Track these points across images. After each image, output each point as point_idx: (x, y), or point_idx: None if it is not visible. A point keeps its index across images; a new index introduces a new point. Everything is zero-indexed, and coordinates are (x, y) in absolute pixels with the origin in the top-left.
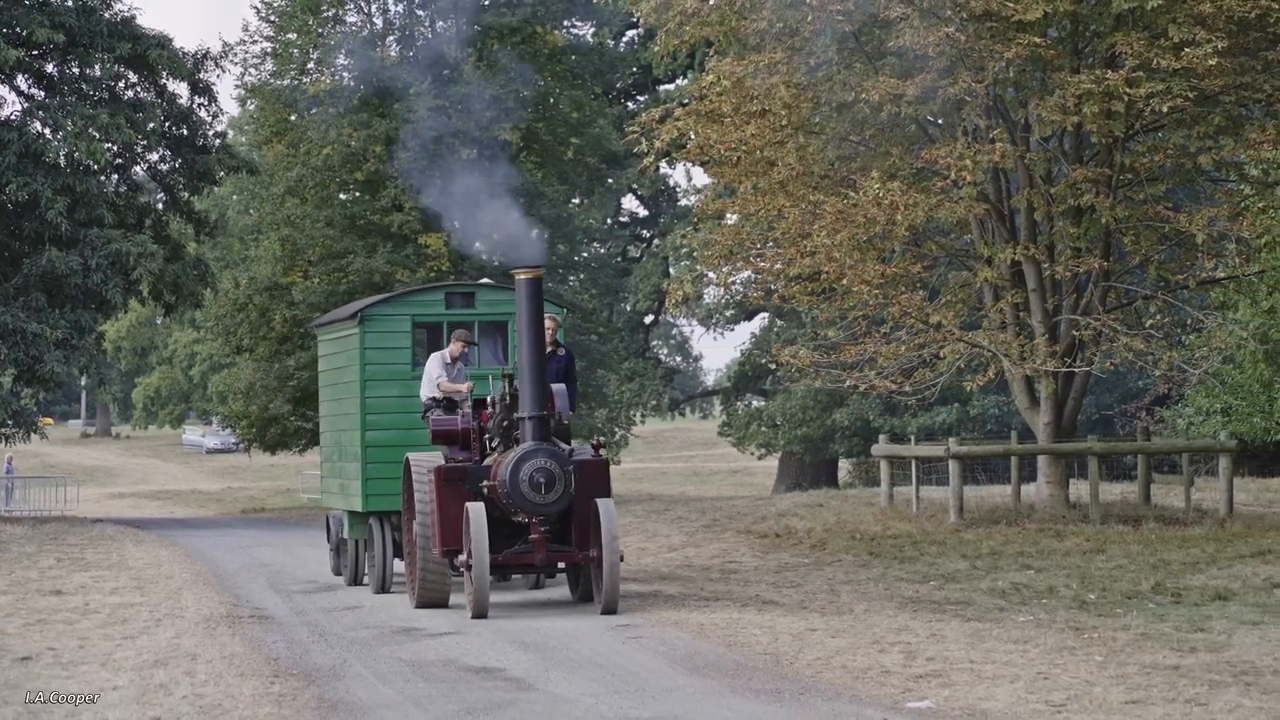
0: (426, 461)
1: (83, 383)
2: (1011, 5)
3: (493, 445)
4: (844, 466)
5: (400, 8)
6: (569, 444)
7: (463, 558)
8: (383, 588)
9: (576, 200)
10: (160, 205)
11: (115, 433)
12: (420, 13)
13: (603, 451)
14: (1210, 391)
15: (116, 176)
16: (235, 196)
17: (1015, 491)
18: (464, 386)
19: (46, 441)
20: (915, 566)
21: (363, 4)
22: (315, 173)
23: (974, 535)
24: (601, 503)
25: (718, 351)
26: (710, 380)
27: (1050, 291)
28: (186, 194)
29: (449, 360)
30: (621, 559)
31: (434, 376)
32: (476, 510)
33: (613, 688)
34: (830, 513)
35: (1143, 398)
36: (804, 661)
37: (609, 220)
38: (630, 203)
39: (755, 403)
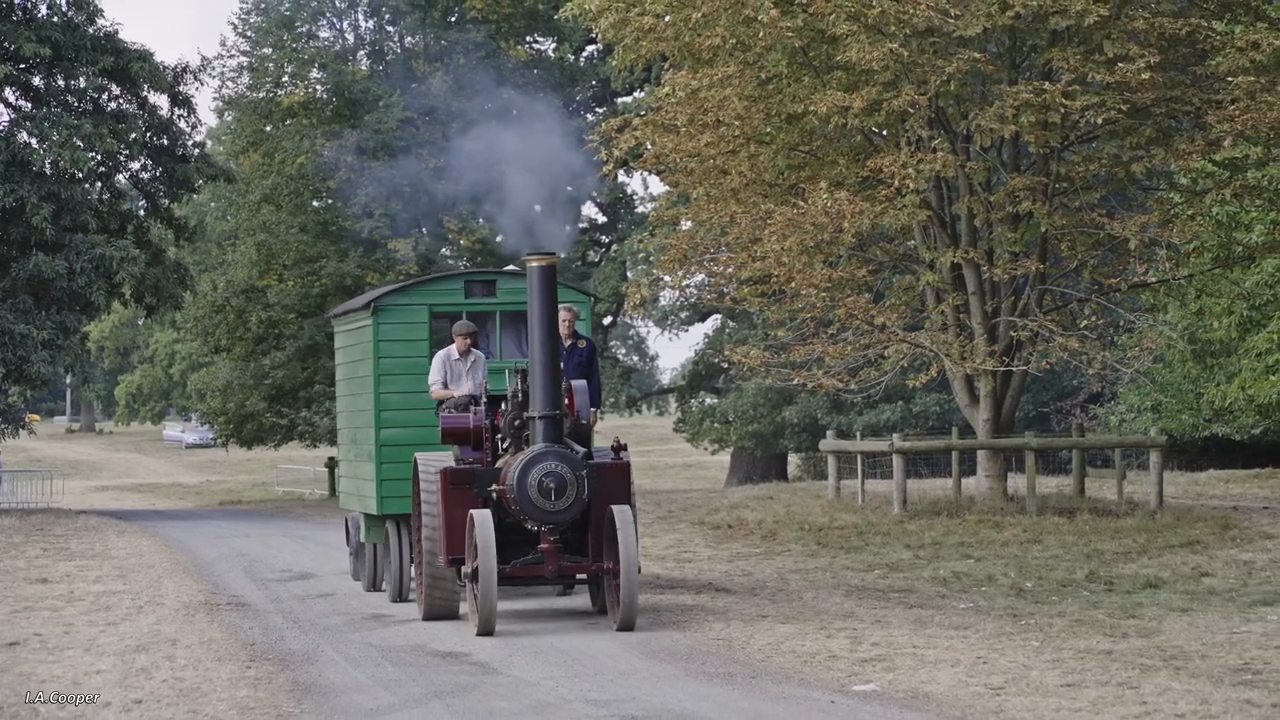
0: (435, 462)
1: (68, 381)
2: (952, 22)
3: (504, 446)
4: (793, 461)
5: (370, 24)
6: (588, 445)
7: (467, 568)
8: (400, 595)
9: (538, 207)
10: (142, 211)
11: (99, 428)
12: (389, 29)
13: (624, 454)
14: (1141, 390)
15: (100, 184)
16: (213, 203)
17: (956, 485)
18: (451, 392)
19: (34, 437)
20: (861, 556)
21: (334, 20)
22: (289, 181)
23: (917, 526)
24: (618, 510)
25: (673, 351)
26: (666, 379)
27: (989, 294)
28: (167, 201)
29: (455, 357)
30: (639, 571)
31: (432, 379)
32: (482, 518)
33: (573, 671)
34: (780, 505)
35: (1077, 395)
36: (755, 646)
37: (569, 226)
38: (589, 209)
39: (709, 400)
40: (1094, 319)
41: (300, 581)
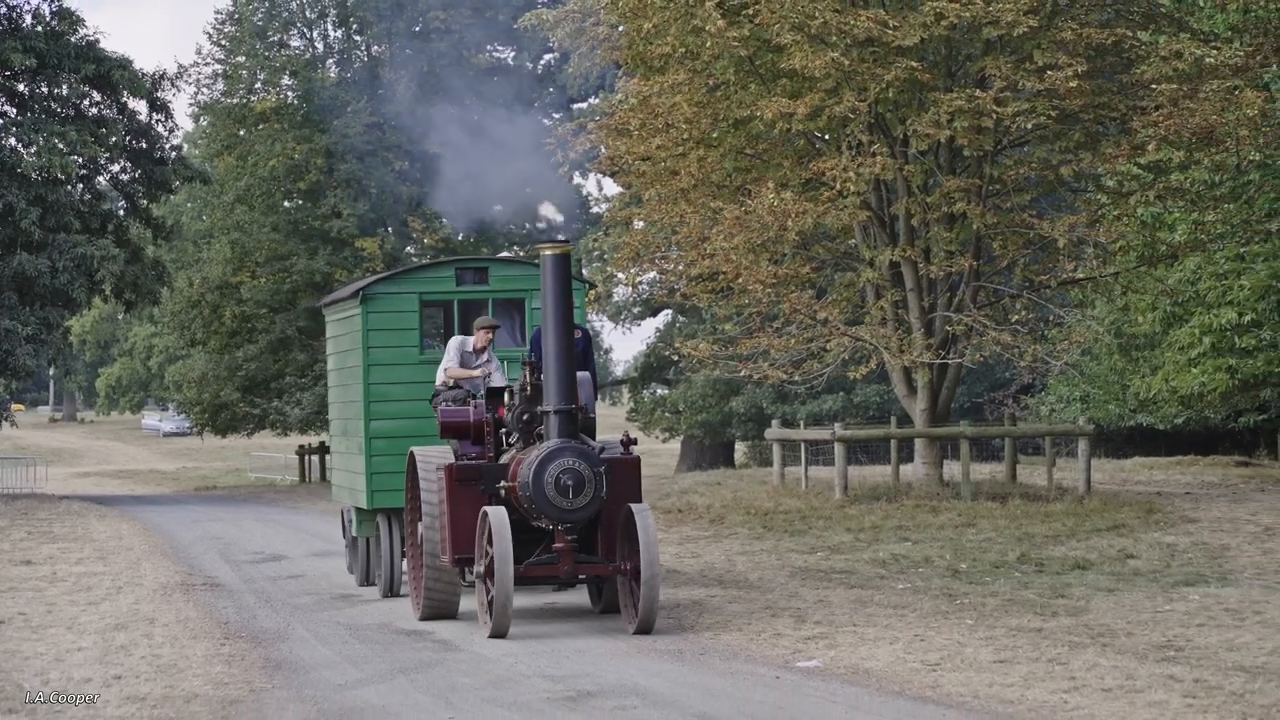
0: (435, 457)
1: (51, 373)
2: (891, 32)
3: (510, 441)
4: (740, 449)
5: (339, 34)
6: (593, 439)
7: (479, 567)
8: (391, 590)
9: (498, 207)
10: (121, 212)
11: (80, 418)
12: (357, 38)
13: (634, 448)
14: (1070, 381)
15: (81, 185)
16: (189, 204)
17: (894, 471)
18: (476, 372)
19: (16, 428)
20: (804, 539)
21: (304, 30)
22: (262, 182)
23: (857, 510)
24: (637, 508)
25: (626, 345)
26: (619, 371)
27: (926, 290)
28: (145, 201)
29: (471, 350)
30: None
31: (445, 363)
32: (498, 516)
33: (531, 649)
34: (728, 490)
35: (1009, 387)
36: (704, 625)
37: (527, 225)
38: (546, 210)
39: (660, 391)
40: (1025, 314)
41: (272, 563)
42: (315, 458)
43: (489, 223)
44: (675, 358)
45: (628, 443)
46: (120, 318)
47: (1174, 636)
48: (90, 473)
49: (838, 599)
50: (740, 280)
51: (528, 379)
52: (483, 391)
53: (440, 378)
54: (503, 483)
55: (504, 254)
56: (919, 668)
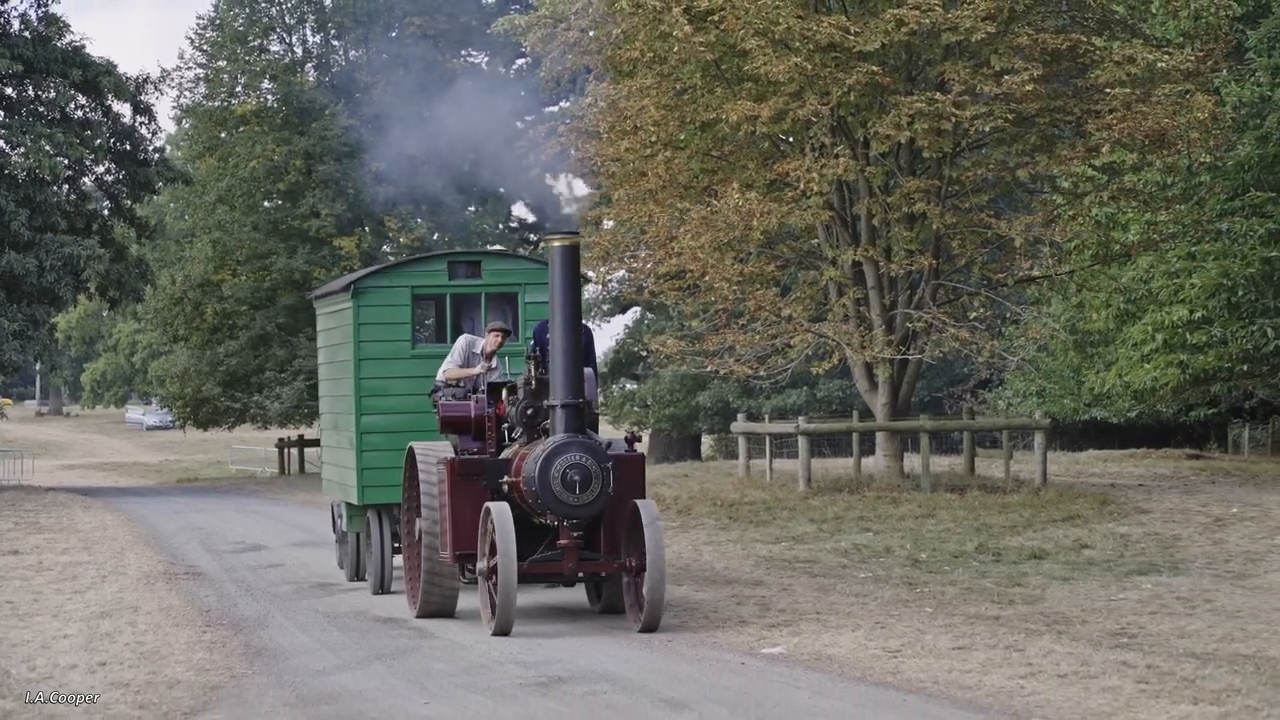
0: (435, 452)
1: (37, 368)
2: (853, 38)
3: (512, 436)
4: (706, 442)
5: (317, 39)
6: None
7: (482, 564)
8: (382, 587)
9: (472, 208)
10: (106, 211)
11: (66, 412)
12: (335, 43)
13: (639, 445)
14: (1026, 376)
15: (67, 186)
16: (172, 204)
17: (856, 464)
18: (474, 371)
19: (5, 420)
20: (769, 529)
21: (284, 35)
22: (242, 183)
23: (820, 502)
24: (643, 504)
25: (596, 341)
26: None
27: (887, 288)
28: (129, 202)
29: (479, 351)
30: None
31: (447, 362)
32: (501, 511)
33: (505, 637)
34: (695, 482)
35: (968, 382)
36: (671, 613)
37: (500, 225)
38: (520, 209)
39: (629, 386)
40: (983, 311)
41: (252, 553)
42: (294, 450)
43: (463, 223)
44: (644, 354)
45: (632, 440)
46: (105, 315)
47: (1127, 624)
48: (76, 465)
49: (801, 587)
50: (707, 278)
51: (532, 373)
52: (484, 386)
53: (441, 375)
54: (506, 478)
55: (496, 247)
56: (880, 654)
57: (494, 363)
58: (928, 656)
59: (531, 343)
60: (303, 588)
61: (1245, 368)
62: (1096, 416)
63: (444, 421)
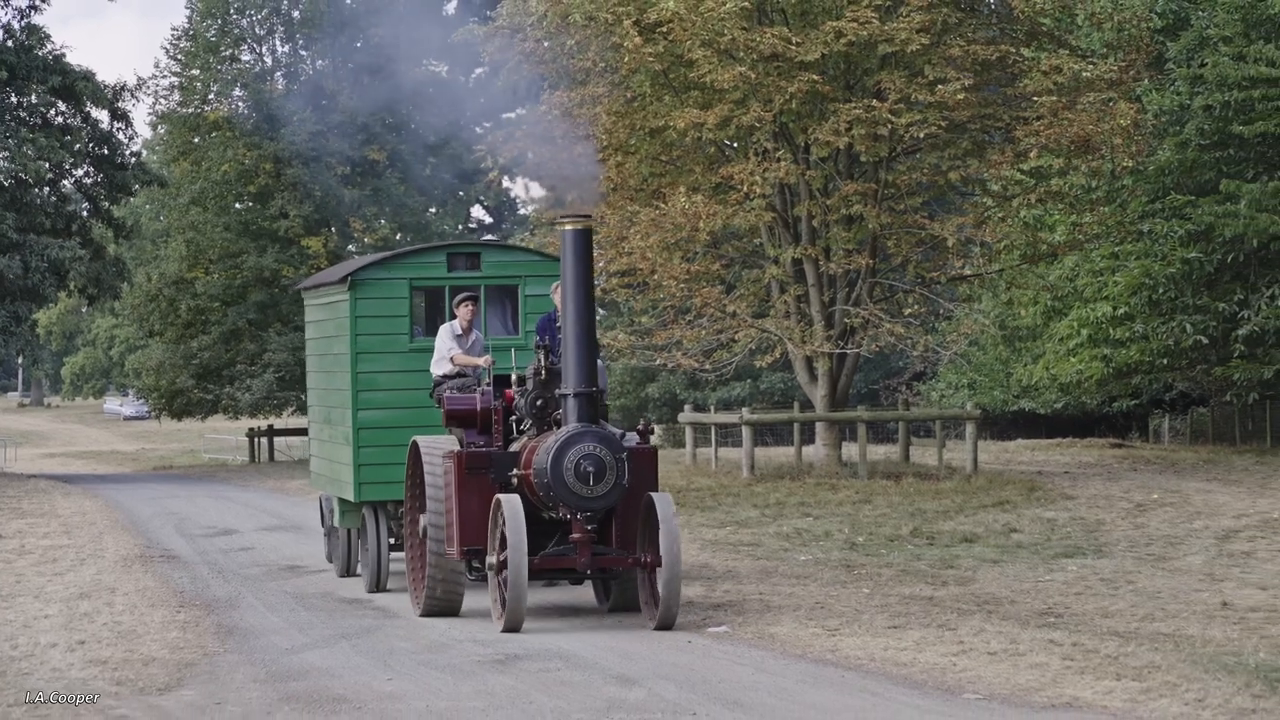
0: (440, 446)
1: (20, 362)
2: (794, 48)
3: (522, 428)
4: (655, 431)
5: (286, 49)
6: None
7: (491, 558)
8: (378, 584)
9: (433, 210)
10: (85, 213)
11: (47, 403)
12: (303, 53)
13: (652, 437)
14: (958, 369)
15: (48, 189)
16: (148, 206)
17: (797, 452)
18: (483, 360)
19: None
20: (714, 514)
21: (254, 45)
22: (214, 186)
23: (763, 488)
24: (658, 497)
25: None
26: None
27: (826, 286)
28: (107, 203)
29: (459, 332)
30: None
31: (445, 351)
32: (512, 504)
33: (464, 616)
34: None
35: (903, 374)
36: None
37: (460, 226)
38: (478, 211)
39: None
40: (917, 308)
41: (224, 537)
42: (264, 440)
43: (424, 224)
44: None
45: (646, 432)
46: (84, 310)
47: (1054, 604)
48: (56, 453)
49: (745, 569)
50: (655, 276)
51: (542, 363)
52: (489, 377)
53: (439, 369)
54: (515, 471)
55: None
56: (819, 633)
57: (473, 335)
58: (865, 635)
59: (538, 334)
60: (272, 570)
61: (1165, 361)
62: (1025, 407)
63: (449, 415)
